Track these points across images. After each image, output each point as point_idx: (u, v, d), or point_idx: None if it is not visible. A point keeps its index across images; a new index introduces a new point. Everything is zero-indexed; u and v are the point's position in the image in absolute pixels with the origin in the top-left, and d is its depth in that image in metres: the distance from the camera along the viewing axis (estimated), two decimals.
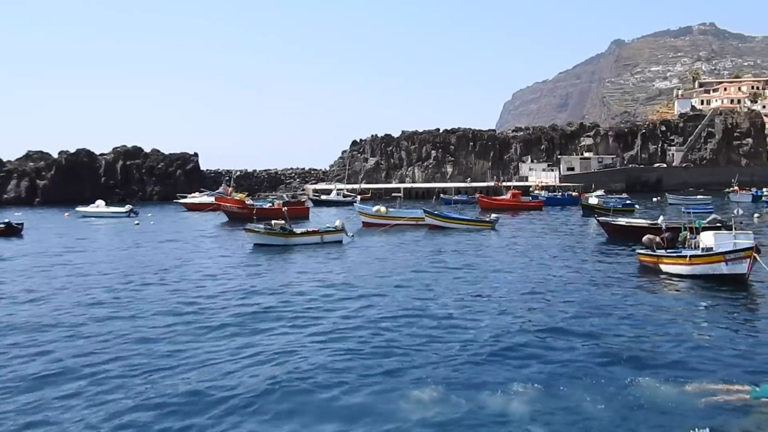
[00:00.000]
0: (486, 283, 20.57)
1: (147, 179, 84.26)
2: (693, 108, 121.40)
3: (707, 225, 23.63)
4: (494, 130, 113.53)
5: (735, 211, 41.63)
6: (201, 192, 69.17)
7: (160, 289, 20.28)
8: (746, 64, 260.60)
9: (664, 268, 21.47)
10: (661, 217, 33.17)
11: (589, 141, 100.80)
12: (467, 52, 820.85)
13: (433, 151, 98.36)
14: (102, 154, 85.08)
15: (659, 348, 12.94)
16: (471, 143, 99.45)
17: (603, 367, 11.63)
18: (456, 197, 68.03)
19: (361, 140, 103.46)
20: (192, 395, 10.52)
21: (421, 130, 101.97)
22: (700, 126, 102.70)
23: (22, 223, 41.38)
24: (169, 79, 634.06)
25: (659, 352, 12.61)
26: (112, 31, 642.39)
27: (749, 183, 79.70)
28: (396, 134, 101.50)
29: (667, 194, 66.66)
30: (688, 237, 22.20)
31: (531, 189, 74.45)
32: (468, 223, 40.35)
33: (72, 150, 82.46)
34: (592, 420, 9.37)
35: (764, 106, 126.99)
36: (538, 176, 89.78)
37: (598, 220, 35.29)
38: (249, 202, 53.04)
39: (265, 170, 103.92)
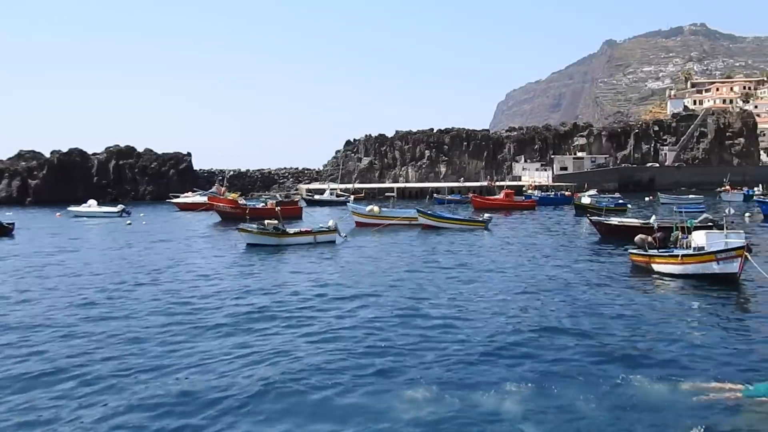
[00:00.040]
0: (479, 283, 20.60)
1: (140, 179, 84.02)
2: (685, 108, 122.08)
3: (699, 224, 23.73)
4: (488, 130, 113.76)
5: (726, 211, 41.99)
6: (194, 192, 68.96)
7: (152, 289, 20.21)
8: (737, 64, 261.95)
9: (656, 267, 21.56)
10: (654, 217, 33.33)
11: (582, 141, 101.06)
12: (461, 53, 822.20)
13: (426, 151, 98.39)
14: (94, 154, 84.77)
15: (652, 347, 12.99)
16: (464, 143, 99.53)
17: (596, 366, 11.66)
18: (449, 197, 68.07)
19: (354, 140, 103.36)
20: (185, 396, 10.48)
21: (414, 129, 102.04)
22: (692, 126, 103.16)
23: (13, 223, 41.14)
24: (161, 79, 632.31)
25: (652, 351, 12.65)
26: (106, 31, 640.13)
27: (741, 182, 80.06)
28: (390, 134, 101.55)
29: (659, 194, 66.89)
30: (680, 237, 22.29)
31: (524, 189, 74.62)
32: (461, 222, 40.39)
33: (64, 149, 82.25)
34: (585, 419, 9.40)
35: (756, 106, 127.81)
36: (532, 176, 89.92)
37: (590, 220, 35.39)
38: (242, 201, 52.93)
39: (258, 170, 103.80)
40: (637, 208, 54.51)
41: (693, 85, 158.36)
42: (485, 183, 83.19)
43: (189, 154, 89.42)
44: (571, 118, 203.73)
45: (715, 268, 19.70)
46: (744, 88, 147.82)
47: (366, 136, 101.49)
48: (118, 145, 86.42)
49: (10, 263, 26.73)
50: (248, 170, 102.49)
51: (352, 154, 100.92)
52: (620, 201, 54.70)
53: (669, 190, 74.40)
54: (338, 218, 36.43)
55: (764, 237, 32.99)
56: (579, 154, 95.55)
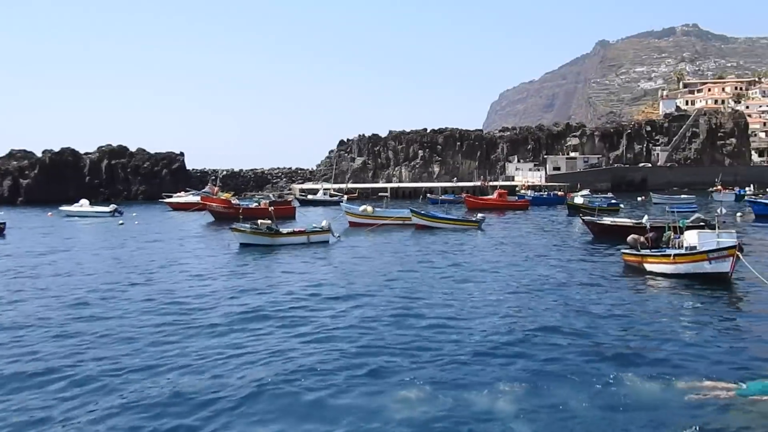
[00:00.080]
0: (472, 283, 20.62)
1: (132, 179, 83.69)
2: (678, 108, 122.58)
3: (691, 224, 23.83)
4: (481, 130, 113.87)
5: (718, 211, 42.24)
6: (186, 191, 68.73)
7: (145, 289, 20.13)
8: (729, 65, 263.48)
9: (648, 267, 21.63)
10: (646, 217, 33.47)
11: (575, 141, 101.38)
12: (454, 53, 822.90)
13: (420, 151, 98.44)
14: (87, 153, 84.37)
15: (644, 346, 13.03)
16: (458, 143, 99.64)
17: (589, 366, 11.69)
18: (443, 197, 68.12)
19: (348, 140, 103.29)
20: (178, 396, 10.44)
21: (408, 129, 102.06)
22: (684, 126, 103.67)
23: (4, 223, 40.94)
24: (154, 79, 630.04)
25: (644, 350, 12.69)
26: (99, 30, 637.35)
27: (732, 182, 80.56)
28: (383, 134, 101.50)
29: (651, 194, 67.18)
30: (672, 237, 22.37)
31: (517, 189, 74.74)
32: (455, 222, 40.42)
33: (56, 149, 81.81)
34: (578, 418, 9.42)
35: (747, 107, 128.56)
36: (525, 176, 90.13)
37: (583, 220, 35.48)
38: (235, 201, 52.79)
39: (251, 170, 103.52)
40: (630, 208, 54.71)
41: (685, 86, 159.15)
42: (478, 183, 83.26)
43: (182, 154, 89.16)
44: (564, 118, 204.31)
45: (707, 267, 19.78)
46: (735, 88, 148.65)
47: (359, 136, 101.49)
48: (110, 145, 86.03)
49: (1, 263, 26.56)
50: (241, 170, 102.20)
51: (346, 154, 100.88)
52: (613, 201, 54.92)
53: (661, 190, 74.72)
54: (332, 218, 36.41)
55: (756, 236, 33.17)
56: (572, 154, 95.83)
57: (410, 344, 13.30)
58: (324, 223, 32.79)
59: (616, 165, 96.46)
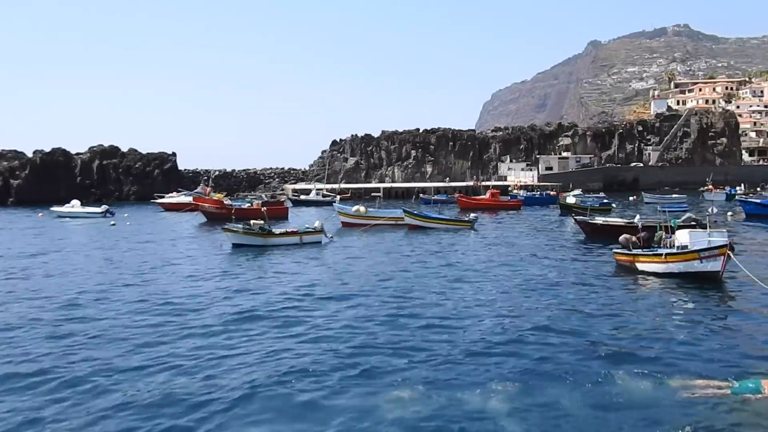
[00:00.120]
0: (465, 283, 20.64)
1: (124, 179, 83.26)
2: (669, 108, 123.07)
3: (682, 224, 23.93)
4: (474, 130, 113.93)
5: (709, 210, 42.45)
6: (179, 192, 68.45)
7: (137, 290, 20.04)
8: (720, 65, 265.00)
9: (640, 266, 21.71)
10: (638, 216, 33.58)
11: (567, 141, 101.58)
12: (447, 53, 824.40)
13: (412, 151, 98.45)
14: (78, 154, 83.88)
15: (636, 345, 13.09)
16: (451, 143, 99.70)
17: (581, 365, 11.73)
18: (435, 197, 68.15)
19: (340, 140, 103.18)
20: (171, 397, 10.41)
21: (401, 130, 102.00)
22: (675, 126, 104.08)
23: None
24: (147, 79, 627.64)
25: (636, 349, 12.74)
26: (91, 31, 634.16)
27: (723, 182, 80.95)
28: (376, 134, 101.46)
29: (643, 193, 67.46)
30: (664, 236, 22.46)
31: (510, 188, 74.82)
32: (447, 222, 40.45)
33: (47, 149, 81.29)
34: (570, 416, 9.45)
35: (738, 107, 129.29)
36: (517, 176, 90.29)
37: (575, 220, 35.57)
38: (227, 202, 52.64)
39: (244, 170, 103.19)
40: (622, 207, 54.90)
41: (676, 86, 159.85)
42: (471, 183, 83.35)
43: (174, 154, 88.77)
44: (557, 118, 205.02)
45: (698, 266, 19.87)
46: (726, 88, 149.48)
47: (352, 136, 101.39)
48: (102, 145, 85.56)
49: None
50: (234, 170, 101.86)
51: (339, 154, 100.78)
52: (605, 201, 55.13)
53: (653, 190, 75.01)
54: (324, 219, 36.37)
55: (746, 236, 33.37)
56: (564, 154, 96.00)
57: (403, 344, 13.30)
58: (317, 224, 32.75)
59: (607, 165, 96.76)
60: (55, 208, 56.20)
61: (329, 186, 79.58)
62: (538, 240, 33.30)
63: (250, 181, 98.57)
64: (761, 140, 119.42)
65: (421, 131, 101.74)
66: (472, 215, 41.41)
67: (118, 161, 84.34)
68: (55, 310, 17.07)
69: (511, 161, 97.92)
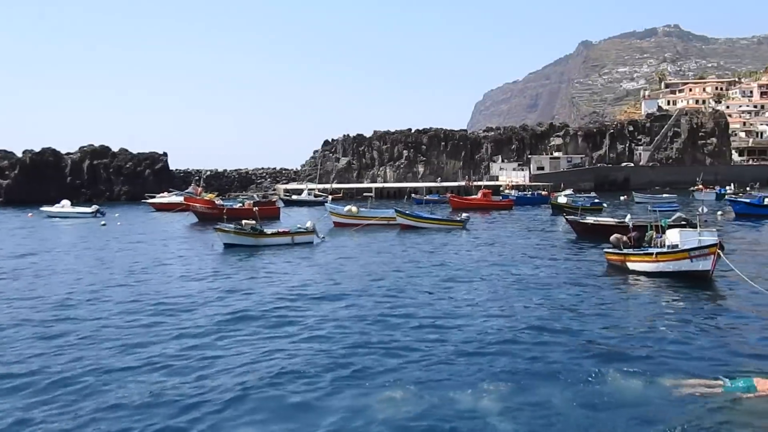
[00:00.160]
0: (457, 283, 20.66)
1: (114, 179, 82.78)
2: (659, 108, 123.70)
3: (672, 223, 24.04)
4: (465, 130, 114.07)
5: (700, 209, 42.66)
6: (170, 192, 68.15)
7: (128, 290, 19.94)
8: (710, 65, 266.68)
9: (631, 266, 21.79)
10: (629, 216, 33.70)
11: (558, 141, 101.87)
12: (439, 53, 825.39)
13: (404, 151, 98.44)
14: (68, 153, 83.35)
15: (628, 344, 13.14)
16: (442, 143, 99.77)
17: (573, 364, 11.76)
18: (427, 197, 68.17)
19: (332, 140, 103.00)
20: (161, 398, 10.37)
21: (393, 130, 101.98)
22: (666, 126, 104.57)
23: None
24: (137, 79, 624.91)
25: (628, 348, 12.80)
26: (80, 31, 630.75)
27: (713, 182, 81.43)
28: (368, 134, 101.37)
29: (634, 193, 67.75)
30: (654, 236, 22.55)
31: (501, 188, 75.00)
32: (439, 222, 40.48)
33: (37, 149, 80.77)
34: (562, 415, 9.47)
35: (728, 107, 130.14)
36: (509, 176, 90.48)
37: (566, 219, 35.68)
38: (219, 202, 52.46)
39: (235, 170, 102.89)
40: (613, 207, 55.11)
41: (667, 86, 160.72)
42: (463, 183, 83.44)
43: (165, 154, 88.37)
44: (548, 118, 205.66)
45: (688, 265, 19.97)
46: (716, 88, 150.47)
47: (344, 136, 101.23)
48: (92, 145, 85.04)
49: None
50: (225, 170, 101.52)
51: (330, 154, 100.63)
52: (596, 200, 55.31)
53: (643, 190, 75.31)
54: (316, 219, 36.31)
55: (736, 235, 33.58)
56: (555, 154, 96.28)
57: (396, 344, 13.30)
58: (308, 224, 32.69)
59: (599, 165, 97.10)
60: (45, 208, 55.83)
61: (321, 186, 79.47)
62: (529, 240, 33.38)
63: (242, 181, 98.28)
64: (751, 140, 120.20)
65: (413, 131, 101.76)
66: (464, 215, 41.45)
67: (108, 161, 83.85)
68: (45, 311, 16.96)
69: (502, 161, 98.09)
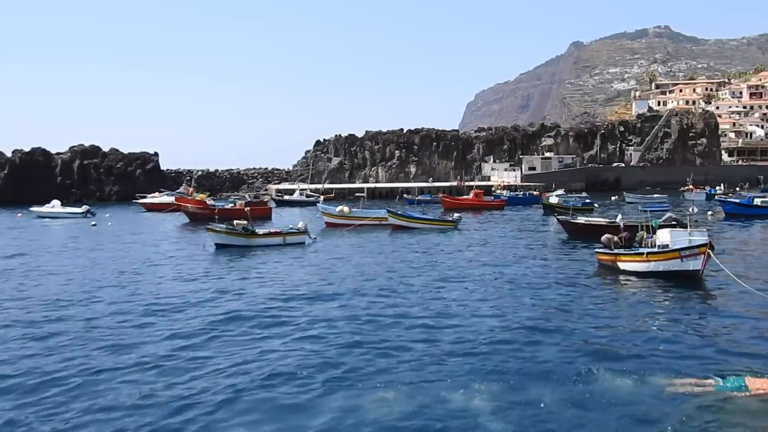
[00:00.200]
0: (449, 283, 20.68)
1: (105, 179, 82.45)
2: (650, 109, 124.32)
3: (663, 223, 24.17)
4: (457, 131, 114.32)
5: (690, 210, 42.90)
6: (161, 192, 67.92)
7: (118, 291, 19.83)
8: (700, 66, 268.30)
9: (621, 266, 21.87)
10: (620, 216, 33.82)
11: (549, 141, 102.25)
12: (431, 53, 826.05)
13: (396, 151, 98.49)
14: (58, 153, 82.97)
15: (619, 344, 13.18)
16: (434, 143, 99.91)
17: (564, 363, 11.79)
18: (419, 197, 68.26)
19: (324, 140, 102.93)
20: (152, 399, 10.33)
21: (385, 130, 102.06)
22: (656, 126, 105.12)
23: None
24: (127, 78, 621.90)
25: (619, 348, 12.84)
26: (73, 30, 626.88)
27: (703, 182, 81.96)
28: (360, 134, 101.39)
29: (625, 193, 68.07)
30: (645, 236, 22.65)
31: (493, 189, 75.16)
32: (431, 222, 40.53)
33: (27, 149, 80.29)
34: (553, 414, 9.48)
35: (717, 107, 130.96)
36: (500, 176, 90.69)
37: (558, 219, 35.80)
38: (210, 202, 52.30)
39: (227, 170, 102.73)
40: (604, 207, 55.35)
41: (657, 87, 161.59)
42: (455, 183, 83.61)
43: (156, 154, 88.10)
44: (539, 118, 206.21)
45: (679, 265, 20.07)
46: (706, 89, 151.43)
47: (336, 136, 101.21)
48: (82, 145, 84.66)
49: None
50: (217, 170, 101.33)
51: (322, 155, 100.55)
52: (587, 200, 55.55)
53: (634, 190, 75.71)
54: (308, 219, 36.27)
55: (726, 235, 33.79)
56: (547, 155, 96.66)
57: (387, 344, 13.30)
58: (300, 225, 32.63)
59: (590, 165, 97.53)
60: (34, 209, 55.54)
61: (313, 186, 79.40)
62: (521, 240, 33.46)
63: (234, 181, 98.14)
64: (740, 141, 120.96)
65: (404, 131, 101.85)
66: (456, 215, 41.50)
67: (99, 161, 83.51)
68: (35, 312, 16.84)
69: (494, 161, 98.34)
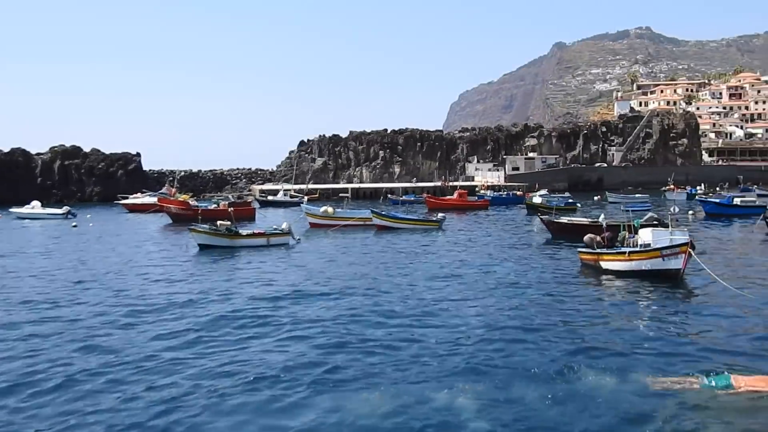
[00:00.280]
0: (433, 283, 20.72)
1: (86, 180, 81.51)
2: (632, 109, 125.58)
3: (645, 223, 24.38)
4: (441, 131, 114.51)
5: (671, 209, 43.32)
6: (143, 193, 67.32)
7: (99, 293, 19.62)
8: (680, 67, 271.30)
9: (604, 265, 22.04)
10: (602, 216, 34.10)
11: (533, 141, 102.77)
12: (415, 54, 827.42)
13: (380, 152, 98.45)
14: (38, 154, 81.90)
15: (602, 342, 13.29)
16: (418, 143, 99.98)
17: (547, 362, 11.87)
18: (403, 197, 68.29)
19: (308, 140, 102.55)
20: (136, 401, 10.26)
21: (369, 130, 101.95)
22: (638, 127, 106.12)
23: None
24: (111, 78, 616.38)
25: (602, 346, 12.94)
26: (59, 29, 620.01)
27: (684, 182, 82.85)
28: (344, 134, 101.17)
29: (607, 193, 68.57)
30: (627, 236, 22.84)
31: (477, 189, 75.39)
32: (415, 222, 40.59)
33: (6, 149, 79.22)
34: (537, 411, 9.54)
35: (698, 108, 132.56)
36: (484, 176, 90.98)
37: (541, 219, 36.01)
38: (193, 203, 51.91)
39: (210, 170, 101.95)
40: (587, 207, 55.75)
41: (639, 87, 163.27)
42: (439, 183, 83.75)
43: (138, 155, 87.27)
44: (523, 118, 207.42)
45: (660, 264, 20.27)
46: (687, 90, 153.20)
47: (320, 136, 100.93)
48: (63, 145, 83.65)
49: None
50: (200, 171, 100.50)
51: (306, 155, 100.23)
52: (570, 200, 55.92)
53: (616, 190, 76.32)
54: (292, 220, 36.14)
55: (706, 234, 34.19)
56: (530, 155, 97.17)
57: (372, 344, 13.31)
58: (284, 226, 32.49)
59: (573, 165, 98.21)
60: (14, 210, 54.82)
61: (297, 186, 79.14)
62: (504, 239, 33.61)
63: (217, 181, 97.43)
64: (720, 141, 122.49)
65: (388, 132, 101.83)
66: (440, 215, 41.59)
67: (80, 162, 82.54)
68: (14, 313, 16.63)
69: (478, 162, 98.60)
